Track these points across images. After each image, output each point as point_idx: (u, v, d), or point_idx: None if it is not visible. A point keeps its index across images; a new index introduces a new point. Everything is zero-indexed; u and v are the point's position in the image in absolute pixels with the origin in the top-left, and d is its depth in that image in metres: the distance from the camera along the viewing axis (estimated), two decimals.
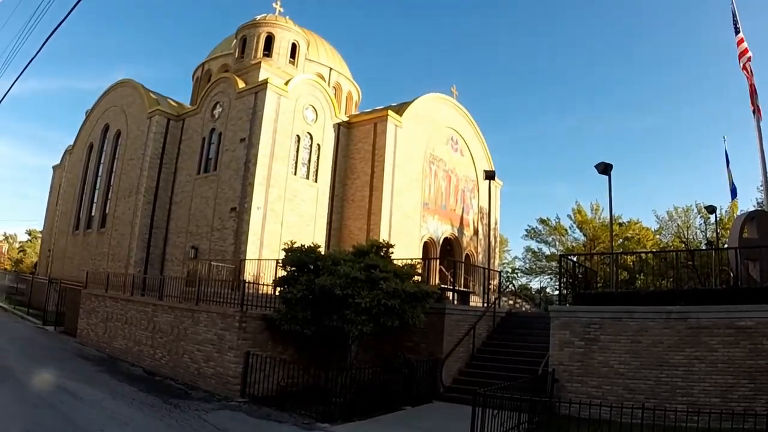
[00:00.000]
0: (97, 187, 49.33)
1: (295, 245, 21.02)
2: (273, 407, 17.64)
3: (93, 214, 48.88)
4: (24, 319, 37.14)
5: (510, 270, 68.29)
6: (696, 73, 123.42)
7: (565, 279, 22.04)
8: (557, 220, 61.48)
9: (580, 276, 22.30)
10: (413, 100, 42.55)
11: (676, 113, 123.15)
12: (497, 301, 26.84)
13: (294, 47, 43.39)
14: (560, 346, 18.79)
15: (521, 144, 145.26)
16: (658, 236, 56.33)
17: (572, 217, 59.92)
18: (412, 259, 22.13)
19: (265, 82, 36.16)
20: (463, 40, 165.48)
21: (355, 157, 40.56)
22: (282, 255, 21.73)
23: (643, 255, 33.32)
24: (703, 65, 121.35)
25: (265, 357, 19.22)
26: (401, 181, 39.60)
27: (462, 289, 28.66)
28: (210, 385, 20.02)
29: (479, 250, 47.07)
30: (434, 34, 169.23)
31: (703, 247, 42.00)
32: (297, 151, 37.85)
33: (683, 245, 49.24)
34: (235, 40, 44.74)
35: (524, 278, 66.23)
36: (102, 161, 49.63)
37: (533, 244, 64.67)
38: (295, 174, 37.46)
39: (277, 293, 21.54)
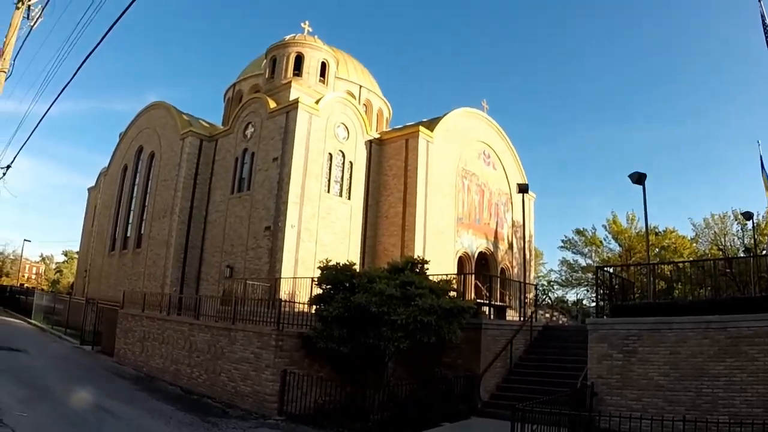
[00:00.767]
0: (132, 207, 49.80)
1: (330, 263, 21.09)
2: (310, 425, 17.67)
3: (128, 234, 49.32)
4: (62, 339, 37.51)
5: (546, 283, 67.89)
6: (730, 79, 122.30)
7: (601, 291, 21.85)
8: (593, 231, 61.04)
9: (616, 287, 22.10)
10: (444, 115, 42.48)
11: (711, 119, 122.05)
12: (534, 315, 26.65)
13: (323, 66, 43.59)
14: (598, 359, 18.56)
15: (556, 156, 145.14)
16: (694, 245, 55.62)
17: (607, 227, 59.41)
18: (447, 275, 22.01)
19: (296, 102, 36.35)
20: (494, 55, 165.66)
21: (388, 174, 40.55)
22: (317, 273, 21.80)
23: (680, 264, 32.95)
24: (737, 70, 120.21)
25: (302, 375, 19.22)
26: (434, 197, 39.48)
27: (498, 303, 28.51)
28: (247, 403, 20.05)
29: (514, 263, 46.75)
30: (464, 48, 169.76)
31: (741, 255, 41.49)
32: (330, 169, 37.93)
33: (721, 253, 48.64)
34: (264, 61, 45.02)
35: (560, 290, 65.83)
36: (136, 182, 50.13)
37: (569, 256, 64.19)
38: (329, 192, 37.52)
39: (312, 311, 21.57)
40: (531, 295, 36.60)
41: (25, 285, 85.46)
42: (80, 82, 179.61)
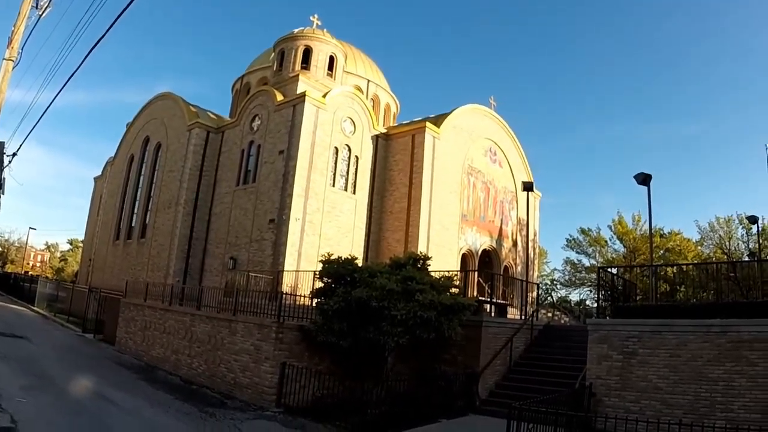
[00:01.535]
0: (138, 198, 50.02)
1: (333, 257, 21.07)
2: (308, 418, 17.68)
3: (133, 224, 49.54)
4: (64, 327, 37.62)
5: (549, 282, 67.88)
6: (740, 81, 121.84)
7: (604, 292, 21.81)
8: (598, 231, 60.98)
9: (619, 288, 22.04)
10: (451, 112, 42.42)
11: (721, 122, 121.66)
12: (535, 314, 26.61)
13: (332, 60, 43.62)
14: (598, 359, 18.50)
15: (563, 155, 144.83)
16: (699, 247, 55.54)
17: (612, 228, 59.35)
18: (449, 271, 21.95)
19: (303, 95, 36.35)
20: (503, 52, 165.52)
21: (394, 169, 40.53)
22: (320, 266, 21.78)
23: (684, 267, 32.86)
24: (748, 72, 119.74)
25: (301, 368, 19.25)
26: (439, 193, 39.44)
27: (499, 301, 28.37)
28: (246, 394, 20.10)
29: (518, 261, 46.64)
30: (473, 45, 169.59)
31: (746, 259, 41.33)
32: (335, 163, 37.94)
33: (725, 256, 48.50)
34: (273, 54, 45.06)
35: (563, 290, 65.81)
36: (142, 173, 50.34)
37: (573, 255, 64.18)
38: (334, 186, 37.55)
39: (313, 305, 21.56)
40: (533, 294, 36.58)
41: (30, 273, 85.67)
42: (92, 73, 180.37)
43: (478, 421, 18.58)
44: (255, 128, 39.66)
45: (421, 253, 22.54)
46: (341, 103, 38.71)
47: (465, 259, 41.65)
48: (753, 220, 36.54)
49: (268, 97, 39.52)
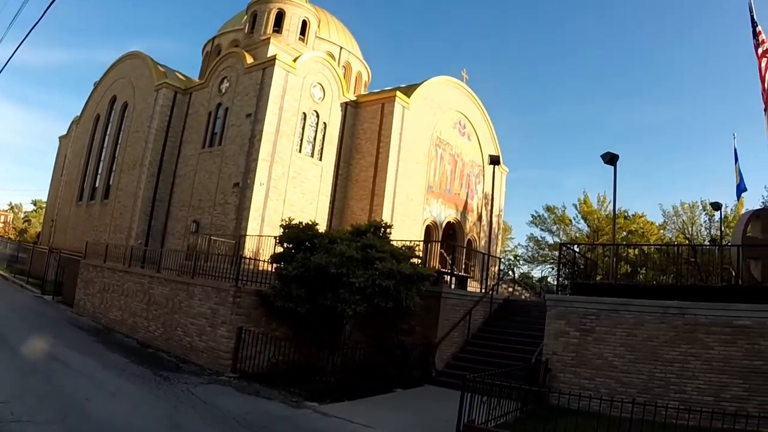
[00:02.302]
0: (102, 158, 49.10)
1: (293, 222, 20.80)
2: (263, 384, 17.56)
3: (97, 185, 48.65)
4: (23, 288, 37.21)
5: (512, 257, 68.15)
6: (713, 69, 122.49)
7: (565, 269, 21.82)
8: (563, 209, 61.13)
9: (581, 266, 22.07)
10: (422, 82, 42.06)
11: (691, 108, 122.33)
12: (495, 288, 26.61)
13: (304, 24, 42.93)
14: (555, 335, 18.54)
15: (532, 132, 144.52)
16: (662, 231, 55.95)
17: (578, 207, 59.52)
18: (410, 241, 21.83)
19: (273, 58, 35.77)
20: (477, 26, 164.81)
21: (361, 137, 40.19)
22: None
23: (646, 249, 33.03)
24: (721, 61, 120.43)
25: (258, 333, 19.12)
26: (406, 163, 39.24)
27: (460, 273, 28.35)
28: (202, 359, 19.96)
29: (482, 235, 46.54)
30: (448, 18, 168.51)
31: (707, 245, 41.65)
32: (303, 129, 37.48)
33: (687, 241, 48.90)
34: (245, 16, 44.29)
35: (526, 266, 66.12)
36: (108, 133, 49.32)
37: (537, 232, 64.34)
38: (300, 151, 37.11)
39: (273, 270, 21.35)
40: (496, 269, 36.59)
41: None
42: (62, 30, 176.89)
43: (433, 392, 18.62)
44: (223, 90, 39.04)
45: (382, 221, 22.36)
46: (312, 69, 38.19)
47: (429, 230, 41.57)
48: (716, 206, 36.70)
49: (237, 59, 38.88)
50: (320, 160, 38.46)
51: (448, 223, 43.94)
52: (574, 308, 18.49)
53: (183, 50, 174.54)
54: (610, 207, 54.98)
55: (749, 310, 16.05)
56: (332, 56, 45.56)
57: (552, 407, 15.51)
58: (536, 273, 65.09)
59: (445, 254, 32.38)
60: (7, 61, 23.14)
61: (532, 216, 63.64)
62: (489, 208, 46.02)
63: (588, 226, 58.26)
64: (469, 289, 27.56)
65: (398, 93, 39.32)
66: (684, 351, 16.48)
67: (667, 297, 17.50)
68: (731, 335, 16.04)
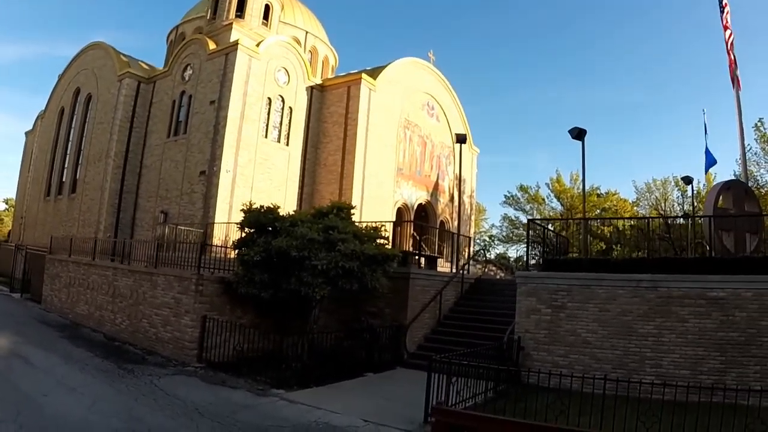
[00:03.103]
0: (68, 152, 48.35)
1: (255, 206, 20.34)
2: (229, 373, 17.23)
3: (64, 179, 47.96)
4: None
5: (487, 238, 68.18)
6: (680, 48, 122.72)
7: (535, 246, 21.66)
8: (536, 189, 61.21)
9: (554, 242, 21.94)
10: (388, 64, 41.79)
11: (661, 88, 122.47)
12: (467, 267, 26.38)
13: (267, 9, 42.17)
14: (527, 313, 18.40)
15: (503, 115, 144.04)
16: (636, 208, 56.17)
17: (550, 186, 59.64)
18: (376, 222, 21.43)
19: (235, 44, 35.27)
20: (444, 10, 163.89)
21: (328, 121, 39.83)
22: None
23: (620, 225, 32.90)
24: (689, 40, 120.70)
25: (223, 321, 18.73)
26: (374, 146, 38.97)
27: (429, 253, 28.04)
28: (168, 350, 19.58)
29: (454, 216, 46.18)
30: (415, 3, 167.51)
31: (679, 216, 41.69)
32: (268, 114, 37.03)
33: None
34: (208, 2, 43.60)
35: (501, 246, 66.21)
36: (73, 126, 48.53)
37: (511, 212, 64.43)
38: (266, 137, 36.70)
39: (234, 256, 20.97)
40: (469, 249, 36.40)
41: None
42: (23, 25, 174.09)
43: (404, 375, 18.37)
44: (187, 78, 38.48)
45: (344, 201, 21.99)
46: (275, 53, 37.71)
47: (401, 212, 41.37)
48: (687, 180, 36.60)
49: (200, 45, 38.30)
50: (287, 145, 38.08)
51: (420, 205, 43.80)
52: (544, 285, 18.38)
53: (149, 41, 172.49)
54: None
55: (723, 281, 16.04)
56: (298, 41, 44.97)
57: (526, 386, 15.29)
58: (512, 253, 65.28)
59: (416, 236, 32.13)
60: None
61: (506, 196, 63.91)
62: (460, 188, 45.93)
63: (561, 204, 58.38)
64: (440, 269, 27.29)
65: (364, 75, 38.98)
66: (658, 325, 16.45)
67: (639, 271, 17.45)
68: (705, 307, 16.02)
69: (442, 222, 45.55)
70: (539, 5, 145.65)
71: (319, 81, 41.60)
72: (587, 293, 17.54)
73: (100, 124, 42.82)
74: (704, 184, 47.23)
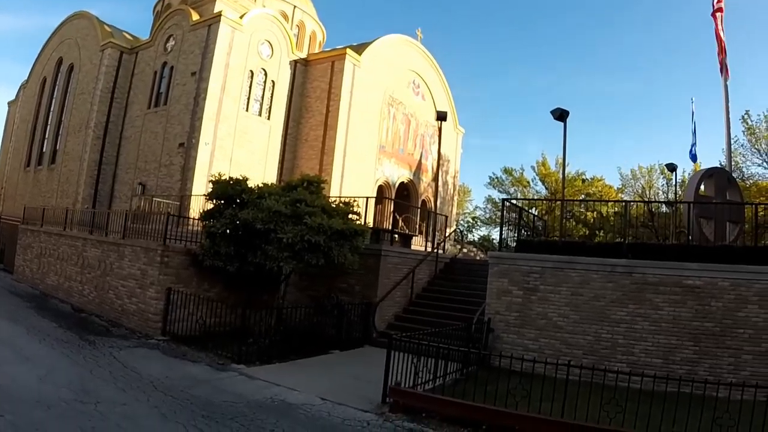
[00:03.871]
0: (49, 122, 47.73)
1: (223, 177, 19.87)
2: (192, 347, 16.97)
3: (44, 150, 47.38)
4: None
5: (471, 219, 67.90)
6: (672, 39, 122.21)
7: (509, 226, 21.32)
8: (521, 171, 60.91)
9: (531, 224, 21.65)
10: (374, 40, 41.23)
11: (651, 78, 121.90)
12: (443, 246, 26.08)
13: None
14: (498, 294, 18.10)
15: (493, 99, 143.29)
16: (621, 195, 55.87)
17: (536, 169, 59.32)
18: (348, 197, 21.02)
19: (218, 15, 34.65)
20: None
21: (311, 96, 39.34)
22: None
23: (603, 211, 32.65)
24: (681, 30, 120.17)
25: (189, 294, 18.42)
26: (357, 122, 38.57)
27: (403, 231, 27.64)
28: (133, 322, 19.30)
29: (437, 196, 46.18)
30: None
31: (664, 209, 41.50)
32: (250, 87, 36.50)
33: (644, 205, 48.93)
34: None
35: (484, 228, 65.92)
36: (55, 96, 47.86)
37: (495, 194, 64.12)
38: (247, 110, 36.20)
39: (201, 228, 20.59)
40: (450, 229, 36.09)
41: None
42: None
43: (371, 353, 18.08)
44: (169, 49, 37.87)
45: (314, 175, 21.54)
46: (259, 26, 37.11)
47: (381, 190, 41.02)
48: (671, 168, 36.28)
49: (183, 16, 37.66)
50: (268, 119, 37.61)
51: (402, 183, 43.45)
52: (517, 266, 18.07)
53: (145, 14, 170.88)
54: (568, 168, 54.90)
55: (700, 269, 15.76)
56: (285, 15, 44.35)
57: (495, 369, 14.90)
58: (495, 235, 64.90)
59: (397, 215, 31.78)
60: None
61: (490, 178, 63.49)
62: (445, 169, 45.59)
63: (546, 188, 58.10)
64: (417, 248, 26.91)
65: (349, 51, 38.45)
66: (632, 311, 16.22)
67: (614, 255, 17.17)
68: (681, 295, 15.78)
69: (424, 201, 45.14)
70: None
71: (303, 55, 41.05)
72: (560, 276, 17.26)
73: (82, 94, 42.26)
74: (689, 174, 47.18)
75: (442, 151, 42.08)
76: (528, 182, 60.03)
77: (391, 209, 32.22)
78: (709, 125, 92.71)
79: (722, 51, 24.09)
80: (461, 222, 60.61)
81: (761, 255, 15.98)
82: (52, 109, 47.87)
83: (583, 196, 54.40)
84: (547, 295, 17.32)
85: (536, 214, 22.63)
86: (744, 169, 39.81)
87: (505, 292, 17.95)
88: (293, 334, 17.63)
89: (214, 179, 19.97)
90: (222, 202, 19.41)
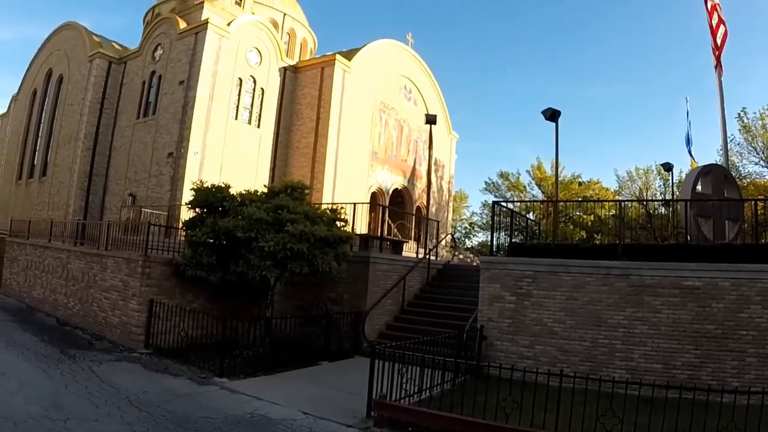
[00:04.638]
0: (40, 134, 47.52)
1: (205, 184, 19.45)
2: (176, 360, 16.40)
3: (35, 162, 47.18)
4: None
5: (468, 225, 67.59)
6: (668, 42, 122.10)
7: (500, 230, 20.89)
8: (517, 175, 60.62)
9: (524, 228, 21.22)
10: (364, 46, 41.04)
11: (646, 82, 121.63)
12: (434, 252, 25.67)
13: None
14: (490, 300, 17.55)
15: (487, 103, 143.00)
16: (618, 197, 55.50)
17: (531, 173, 59.04)
18: (335, 204, 20.58)
19: (205, 23, 34.48)
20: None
21: (302, 103, 39.07)
22: None
23: (601, 214, 32.22)
24: (677, 32, 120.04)
25: (172, 306, 17.89)
26: (348, 129, 38.29)
27: (393, 238, 27.18)
28: (115, 335, 18.77)
29: (432, 202, 45.78)
30: None
31: (662, 210, 41.15)
32: (239, 95, 36.30)
33: (642, 207, 48.65)
34: None
35: (482, 234, 65.61)
36: (45, 108, 47.69)
37: (491, 199, 63.78)
38: (237, 119, 35.95)
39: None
40: (446, 236, 35.68)
41: None
42: (11, 9, 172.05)
43: (361, 364, 17.28)
44: (157, 58, 37.62)
45: (298, 181, 21.03)
46: (247, 33, 36.85)
47: (375, 197, 40.71)
48: (668, 167, 36.01)
49: (170, 24, 37.41)
50: (258, 126, 37.36)
51: (396, 190, 43.12)
52: (508, 270, 17.54)
53: (135, 23, 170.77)
54: (564, 172, 54.65)
55: (698, 270, 15.21)
56: (275, 23, 44.27)
57: (488, 378, 14.38)
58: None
59: (390, 222, 31.36)
60: None
61: (486, 183, 63.34)
62: (440, 174, 45.26)
63: (542, 192, 57.79)
64: (408, 254, 26.44)
65: (338, 57, 38.23)
66: (629, 315, 15.67)
67: (609, 257, 16.66)
68: (680, 297, 15.24)
69: (419, 208, 44.78)
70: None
71: (291, 61, 40.83)
72: (554, 280, 16.73)
73: (71, 105, 42.09)
74: (686, 173, 46.81)
75: (435, 156, 41.82)
76: (524, 186, 59.80)
77: (385, 216, 31.84)
78: (706, 126, 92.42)
79: (717, 47, 23.68)
80: (458, 228, 60.20)
81: (762, 253, 15.49)
82: (42, 121, 47.70)
83: (580, 198, 54.06)
84: (541, 300, 16.78)
85: (533, 219, 22.12)
86: (741, 168, 39.50)
87: (497, 297, 17.43)
88: (280, 346, 17.20)
89: (195, 186, 19.53)
90: (204, 210, 18.98)
